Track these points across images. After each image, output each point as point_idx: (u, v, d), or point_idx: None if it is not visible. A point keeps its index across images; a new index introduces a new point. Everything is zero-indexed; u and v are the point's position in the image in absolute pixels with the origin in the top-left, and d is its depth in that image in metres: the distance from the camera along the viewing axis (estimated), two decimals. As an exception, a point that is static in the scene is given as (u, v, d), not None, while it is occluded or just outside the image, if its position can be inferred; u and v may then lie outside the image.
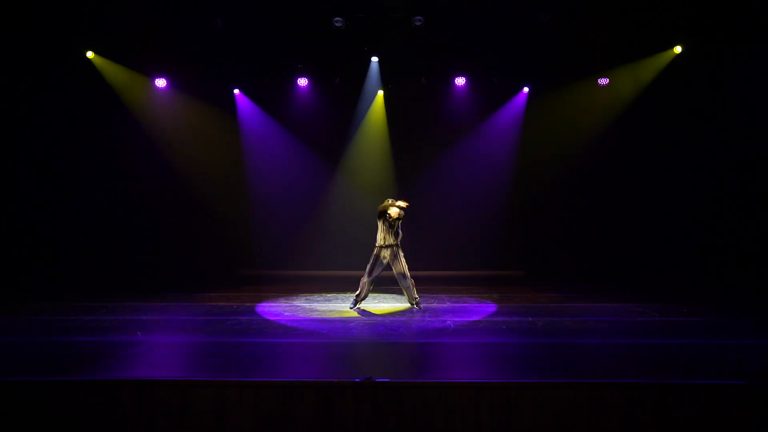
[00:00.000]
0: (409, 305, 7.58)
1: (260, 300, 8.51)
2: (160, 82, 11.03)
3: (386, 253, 7.36)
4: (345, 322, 6.81)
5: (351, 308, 7.45)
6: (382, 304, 8.01)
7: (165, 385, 4.10)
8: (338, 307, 7.88)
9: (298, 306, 7.82)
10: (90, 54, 10.51)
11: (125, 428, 4.05)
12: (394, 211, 7.37)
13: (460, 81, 11.09)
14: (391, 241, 7.37)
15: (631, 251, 11.06)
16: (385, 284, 9.87)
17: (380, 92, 11.52)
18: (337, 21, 9.37)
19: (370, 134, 11.84)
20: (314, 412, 4.02)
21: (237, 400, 4.05)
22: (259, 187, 11.76)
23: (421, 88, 11.22)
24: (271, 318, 7.02)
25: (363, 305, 7.65)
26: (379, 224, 7.44)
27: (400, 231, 7.46)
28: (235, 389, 4.07)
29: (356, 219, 11.01)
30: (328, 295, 8.91)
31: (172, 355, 5.21)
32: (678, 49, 10.41)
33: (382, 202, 7.56)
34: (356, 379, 4.05)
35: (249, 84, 11.38)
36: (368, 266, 7.43)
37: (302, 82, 11.13)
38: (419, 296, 7.63)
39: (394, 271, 7.45)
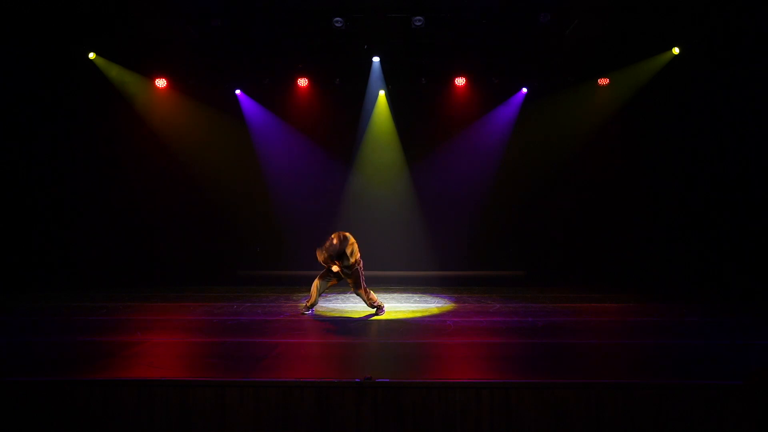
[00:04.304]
0: (411, 306, 7.58)
1: (260, 300, 8.52)
2: (160, 83, 11.04)
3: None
4: (345, 322, 6.81)
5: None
6: (384, 306, 7.99)
7: (165, 385, 4.10)
8: (338, 306, 7.89)
9: (298, 306, 7.81)
10: (92, 55, 10.56)
11: (125, 428, 4.06)
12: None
13: (460, 81, 11.09)
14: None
15: (631, 251, 11.06)
16: (385, 284, 9.89)
17: (381, 92, 11.51)
18: (337, 21, 9.37)
19: (372, 134, 11.83)
20: (314, 412, 4.02)
21: (237, 400, 4.05)
22: (259, 186, 11.75)
23: (421, 88, 11.21)
24: (272, 318, 7.02)
25: (362, 306, 7.64)
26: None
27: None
28: (235, 389, 4.07)
29: (356, 219, 11.02)
30: (329, 295, 8.91)
31: (172, 355, 5.21)
32: (676, 50, 10.41)
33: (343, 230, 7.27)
34: (356, 379, 4.06)
35: (249, 84, 11.37)
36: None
37: (302, 82, 11.13)
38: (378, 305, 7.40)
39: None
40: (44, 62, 10.21)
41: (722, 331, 6.32)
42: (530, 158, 11.45)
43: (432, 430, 4.00)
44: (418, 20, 9.32)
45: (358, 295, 7.26)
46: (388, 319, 6.90)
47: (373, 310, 7.28)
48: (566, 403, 4.01)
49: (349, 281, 7.20)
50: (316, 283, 7.23)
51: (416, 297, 8.83)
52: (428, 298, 8.75)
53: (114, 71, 10.84)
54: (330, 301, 8.40)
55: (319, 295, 7.28)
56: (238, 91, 11.46)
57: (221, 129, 11.56)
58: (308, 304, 7.22)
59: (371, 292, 7.26)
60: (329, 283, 7.31)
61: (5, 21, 9.25)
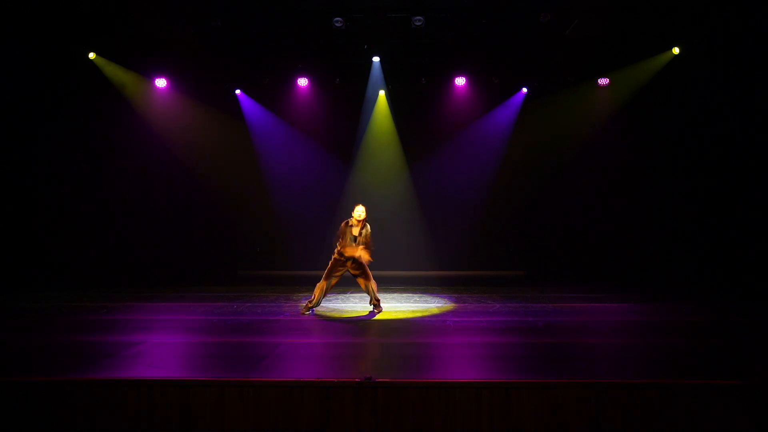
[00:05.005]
0: (411, 306, 7.58)
1: (260, 300, 8.51)
2: (160, 83, 11.05)
3: None
4: (345, 322, 6.82)
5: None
6: (382, 305, 7.99)
7: (165, 385, 4.11)
8: (339, 306, 7.89)
9: (298, 306, 7.81)
10: (92, 55, 10.57)
11: (125, 428, 4.06)
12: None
13: (460, 81, 11.09)
14: None
15: (631, 251, 11.06)
16: (385, 284, 9.88)
17: (381, 92, 11.51)
18: (337, 21, 9.37)
19: (372, 134, 11.82)
20: (314, 412, 4.02)
21: (237, 400, 4.05)
22: (259, 186, 11.75)
23: (421, 88, 11.21)
24: (272, 318, 7.02)
25: (364, 305, 7.63)
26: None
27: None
28: (235, 389, 4.07)
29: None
30: (329, 295, 8.90)
31: (172, 355, 5.21)
32: (676, 50, 10.41)
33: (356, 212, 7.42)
34: (356, 379, 4.06)
35: (249, 84, 11.38)
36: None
37: (302, 82, 11.13)
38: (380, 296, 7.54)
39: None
40: (44, 62, 10.22)
41: (722, 331, 6.32)
42: (530, 158, 11.45)
43: (432, 430, 4.00)
44: (418, 20, 9.32)
45: (367, 289, 7.27)
46: (388, 319, 6.90)
47: (371, 308, 7.33)
48: (566, 403, 4.01)
49: (357, 274, 7.23)
50: (320, 285, 7.22)
51: (416, 297, 8.83)
52: (428, 298, 8.75)
53: (114, 71, 10.85)
54: (330, 301, 8.40)
55: (323, 296, 7.28)
56: (238, 91, 11.46)
57: (221, 129, 11.55)
58: (309, 305, 7.22)
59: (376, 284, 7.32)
60: (333, 282, 7.32)
61: (5, 21, 9.26)
